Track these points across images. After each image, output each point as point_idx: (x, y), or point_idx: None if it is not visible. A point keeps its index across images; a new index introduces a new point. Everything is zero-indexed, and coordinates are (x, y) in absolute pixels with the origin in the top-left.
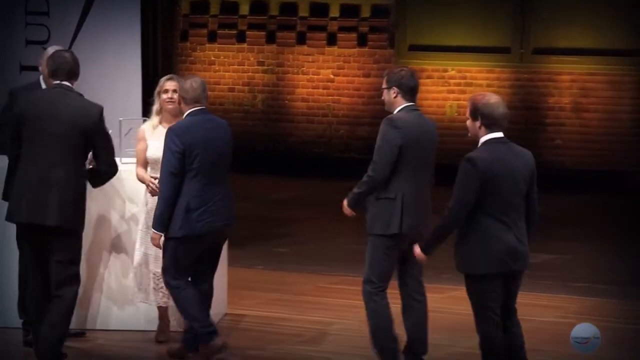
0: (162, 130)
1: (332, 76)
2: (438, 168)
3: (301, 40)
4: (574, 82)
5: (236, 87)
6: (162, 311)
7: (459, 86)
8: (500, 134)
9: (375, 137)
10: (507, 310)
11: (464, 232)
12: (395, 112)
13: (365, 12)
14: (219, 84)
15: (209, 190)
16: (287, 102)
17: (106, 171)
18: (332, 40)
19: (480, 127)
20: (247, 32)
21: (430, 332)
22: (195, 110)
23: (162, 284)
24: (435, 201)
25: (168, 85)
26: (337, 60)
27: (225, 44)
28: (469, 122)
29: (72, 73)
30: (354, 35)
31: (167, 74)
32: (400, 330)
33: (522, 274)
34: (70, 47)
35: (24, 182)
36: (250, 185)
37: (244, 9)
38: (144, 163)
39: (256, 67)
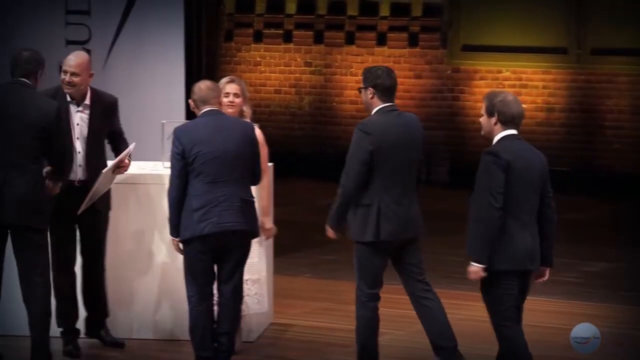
0: None
1: None
2: None
3: (350, 40)
4: (634, 84)
5: (283, 88)
6: None
7: (513, 88)
8: (515, 132)
9: (426, 141)
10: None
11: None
12: (372, 113)
13: (417, 11)
14: (264, 86)
15: (214, 190)
16: (335, 104)
17: (58, 164)
18: (382, 40)
19: (495, 124)
20: (294, 32)
21: (480, 343)
22: (205, 111)
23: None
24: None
25: (229, 88)
26: (387, 61)
27: (272, 44)
28: (483, 119)
29: (27, 70)
30: (404, 35)
31: (211, 76)
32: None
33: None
34: (111, 47)
35: None
36: (296, 190)
37: (291, 8)
38: None
39: (303, 68)
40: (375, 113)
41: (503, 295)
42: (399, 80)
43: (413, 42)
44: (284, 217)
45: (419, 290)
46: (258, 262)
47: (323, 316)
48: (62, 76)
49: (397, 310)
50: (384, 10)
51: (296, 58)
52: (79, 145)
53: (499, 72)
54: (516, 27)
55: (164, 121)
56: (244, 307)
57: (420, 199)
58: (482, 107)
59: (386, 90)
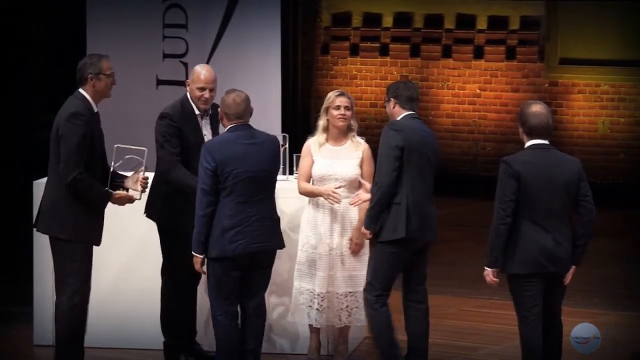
0: (329, 148)
1: (478, 91)
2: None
3: (446, 53)
4: None
5: (379, 102)
6: (314, 331)
7: (612, 102)
8: (543, 141)
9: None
10: (550, 313)
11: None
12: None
13: (514, 24)
14: (360, 99)
15: (246, 210)
16: (431, 117)
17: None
18: (479, 54)
19: (522, 134)
20: (390, 45)
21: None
22: (234, 125)
23: (317, 304)
24: None
25: (339, 101)
26: (484, 74)
27: (368, 58)
28: (520, 131)
29: (78, 77)
30: (502, 48)
31: (307, 89)
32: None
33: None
34: (208, 60)
35: None
36: None
37: (387, 21)
38: (308, 177)
39: None
40: (400, 119)
41: (521, 297)
42: (495, 93)
43: (510, 55)
44: None
45: (412, 298)
46: (361, 274)
47: None
48: (199, 93)
49: (493, 325)
50: (481, 24)
51: (392, 71)
52: None
53: (598, 85)
54: (615, 40)
55: None
56: (352, 318)
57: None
58: None
59: (407, 99)
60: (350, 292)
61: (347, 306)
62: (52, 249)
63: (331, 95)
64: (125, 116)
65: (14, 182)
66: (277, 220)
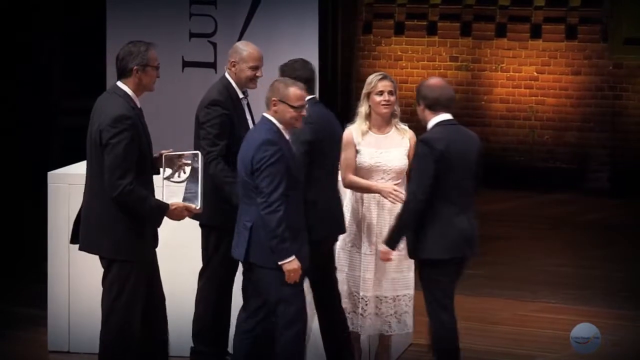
0: (373, 136)
1: (535, 74)
2: None
3: (501, 32)
4: None
5: None
6: (354, 339)
7: None
8: (448, 116)
9: (584, 144)
10: None
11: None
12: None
13: (575, 1)
14: (406, 82)
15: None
16: (483, 103)
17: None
18: (536, 33)
19: (424, 110)
20: (439, 24)
21: None
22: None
23: (361, 308)
24: None
25: (382, 85)
26: (542, 55)
27: (414, 37)
28: (417, 109)
29: (120, 69)
30: (561, 27)
31: (347, 71)
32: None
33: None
34: (239, 40)
35: None
36: None
37: None
38: (354, 169)
39: (449, 63)
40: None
41: (440, 283)
42: (553, 76)
43: (571, 34)
44: None
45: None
46: (409, 275)
47: (468, 337)
48: (251, 72)
49: (551, 331)
50: (539, 0)
51: (441, 52)
52: None
53: None
54: None
55: None
56: (402, 325)
57: (575, 207)
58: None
59: (307, 82)
60: (397, 296)
61: (395, 312)
62: (106, 269)
63: (373, 79)
64: (148, 101)
65: (29, 174)
66: (249, 227)
